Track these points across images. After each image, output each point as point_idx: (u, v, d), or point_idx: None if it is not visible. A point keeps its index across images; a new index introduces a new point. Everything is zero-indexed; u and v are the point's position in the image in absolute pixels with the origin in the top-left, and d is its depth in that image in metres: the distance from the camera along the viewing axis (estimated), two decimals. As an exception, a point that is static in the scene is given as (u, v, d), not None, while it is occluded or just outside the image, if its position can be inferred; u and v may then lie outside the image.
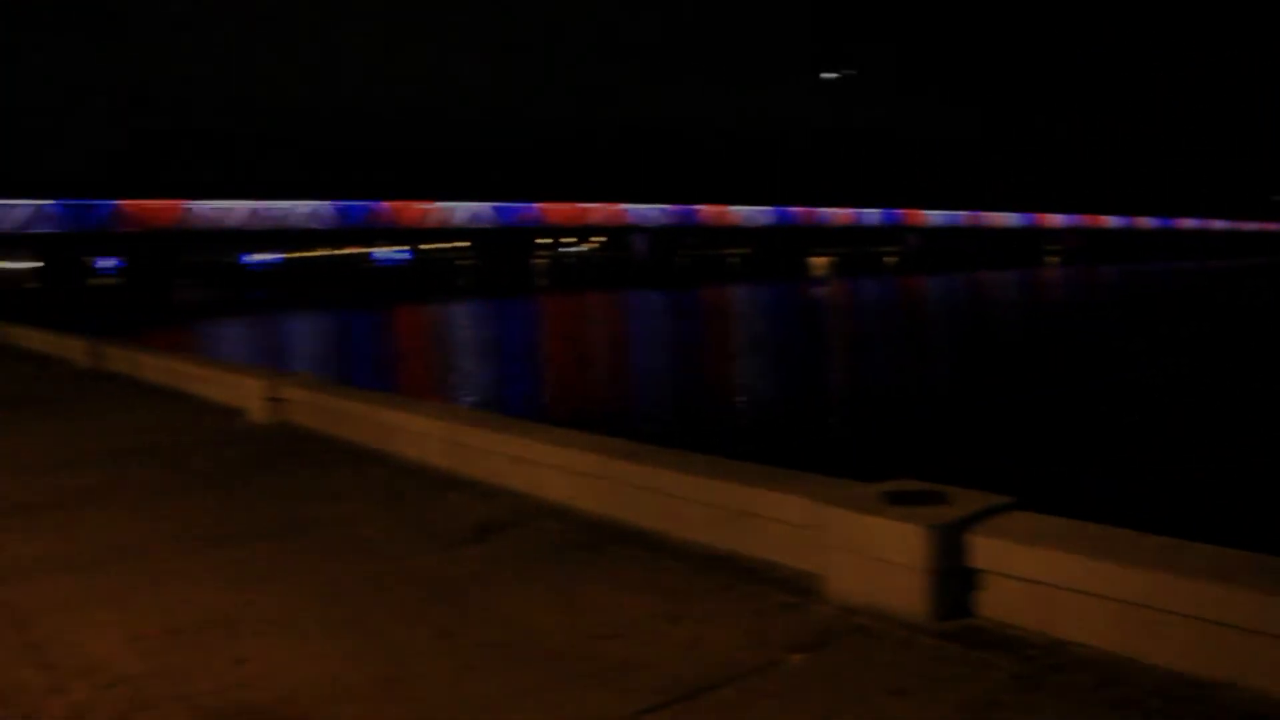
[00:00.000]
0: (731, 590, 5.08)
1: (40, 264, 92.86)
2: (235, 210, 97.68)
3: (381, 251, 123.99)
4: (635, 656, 4.30)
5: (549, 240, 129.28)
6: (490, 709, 3.89)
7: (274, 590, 5.42)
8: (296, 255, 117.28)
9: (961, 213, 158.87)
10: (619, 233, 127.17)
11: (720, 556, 5.55)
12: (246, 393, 11.43)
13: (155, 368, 15.25)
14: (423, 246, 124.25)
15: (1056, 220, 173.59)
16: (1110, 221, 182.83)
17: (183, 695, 4.12)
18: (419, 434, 8.31)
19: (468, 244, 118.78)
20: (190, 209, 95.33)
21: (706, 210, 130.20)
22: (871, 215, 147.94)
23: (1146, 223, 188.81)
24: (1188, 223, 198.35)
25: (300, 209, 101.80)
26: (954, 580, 4.43)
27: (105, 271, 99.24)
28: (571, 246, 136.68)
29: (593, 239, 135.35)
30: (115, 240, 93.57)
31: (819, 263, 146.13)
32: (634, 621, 4.73)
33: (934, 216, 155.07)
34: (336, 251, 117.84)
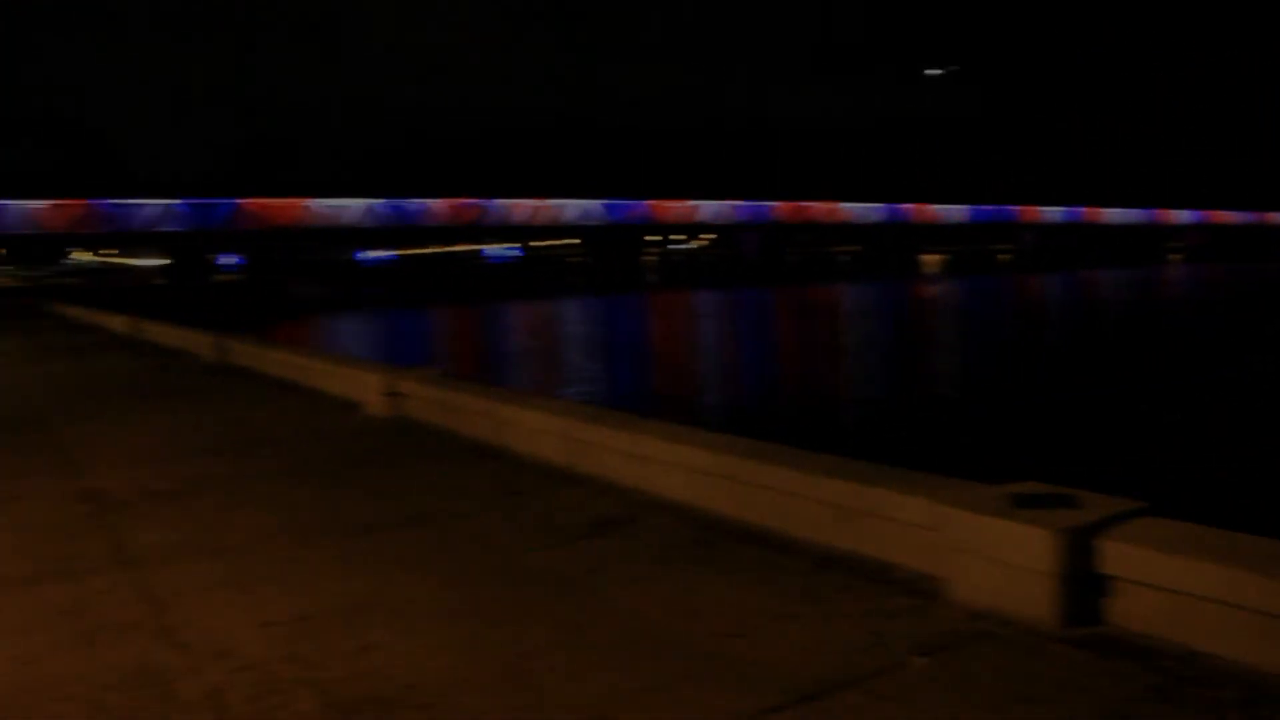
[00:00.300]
0: (850, 591, 5.02)
1: (168, 261, 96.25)
2: (350, 208, 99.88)
3: (492, 248, 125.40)
4: (755, 655, 4.28)
5: (658, 237, 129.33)
6: (612, 704, 3.89)
7: (395, 581, 5.51)
8: (409, 252, 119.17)
9: (1080, 208, 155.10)
10: (728, 230, 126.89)
11: (838, 556, 5.49)
12: (364, 387, 11.66)
13: (276, 362, 15.65)
14: (533, 244, 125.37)
15: (1178, 216, 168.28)
16: (1235, 218, 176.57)
17: (311, 681, 4.22)
18: (535, 429, 8.38)
19: (578, 241, 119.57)
20: (308, 207, 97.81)
21: (817, 207, 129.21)
22: (984, 211, 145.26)
23: (1277, 219, 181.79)
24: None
25: (412, 206, 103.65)
26: (1084, 586, 4.31)
27: (227, 268, 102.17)
28: (681, 244, 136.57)
29: (702, 236, 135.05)
30: (237, 238, 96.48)
31: (931, 260, 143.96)
32: (753, 620, 4.70)
33: (1049, 213, 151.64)
34: (448, 249, 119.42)
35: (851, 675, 4.03)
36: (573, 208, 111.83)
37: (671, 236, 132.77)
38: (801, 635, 4.49)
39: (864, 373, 34.52)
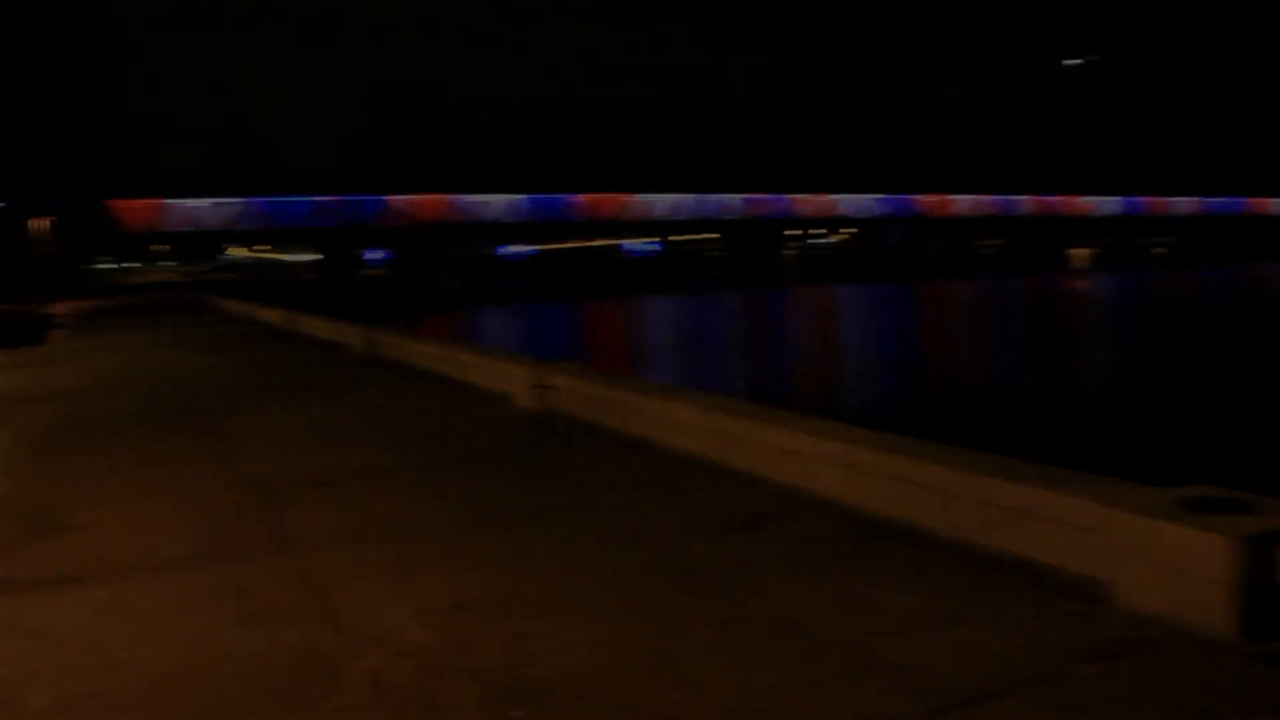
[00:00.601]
0: (1010, 593, 4.89)
1: (319, 256, 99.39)
2: (493, 203, 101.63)
3: (632, 243, 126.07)
4: (911, 656, 4.20)
5: (799, 232, 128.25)
6: (767, 702, 3.87)
7: (548, 571, 5.58)
8: (550, 247, 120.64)
9: (1244, 199, 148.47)
10: (870, 224, 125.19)
11: (997, 557, 5.35)
12: (512, 380, 11.83)
13: (425, 354, 15.99)
14: (672, 238, 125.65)
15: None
16: None
17: (470, 668, 4.29)
18: (685, 423, 8.37)
19: (717, 236, 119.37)
20: (452, 203, 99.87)
21: (960, 200, 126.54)
22: (1137, 203, 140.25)
23: None
24: None
25: (554, 201, 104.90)
26: (1263, 597, 4.11)
27: (374, 263, 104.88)
28: (821, 238, 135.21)
29: (842, 230, 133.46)
30: (384, 234, 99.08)
31: (1079, 254, 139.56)
32: (908, 620, 4.62)
33: (1205, 204, 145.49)
34: (587, 243, 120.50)
35: (1015, 681, 3.93)
36: (711, 202, 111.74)
37: (811, 231, 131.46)
38: (960, 637, 4.39)
39: (1011, 370, 33.69)
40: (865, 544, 5.78)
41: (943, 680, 3.95)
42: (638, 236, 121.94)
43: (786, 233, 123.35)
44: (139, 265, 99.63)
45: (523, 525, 6.58)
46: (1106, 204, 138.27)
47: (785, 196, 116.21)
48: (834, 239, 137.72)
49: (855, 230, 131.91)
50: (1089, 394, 27.88)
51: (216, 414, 12.26)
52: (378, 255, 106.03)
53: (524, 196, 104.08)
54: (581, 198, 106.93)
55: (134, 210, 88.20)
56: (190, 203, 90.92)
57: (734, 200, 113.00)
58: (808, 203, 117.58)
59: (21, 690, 4.30)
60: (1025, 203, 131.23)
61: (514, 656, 4.40)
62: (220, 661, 4.50)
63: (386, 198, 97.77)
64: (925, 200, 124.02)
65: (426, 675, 4.24)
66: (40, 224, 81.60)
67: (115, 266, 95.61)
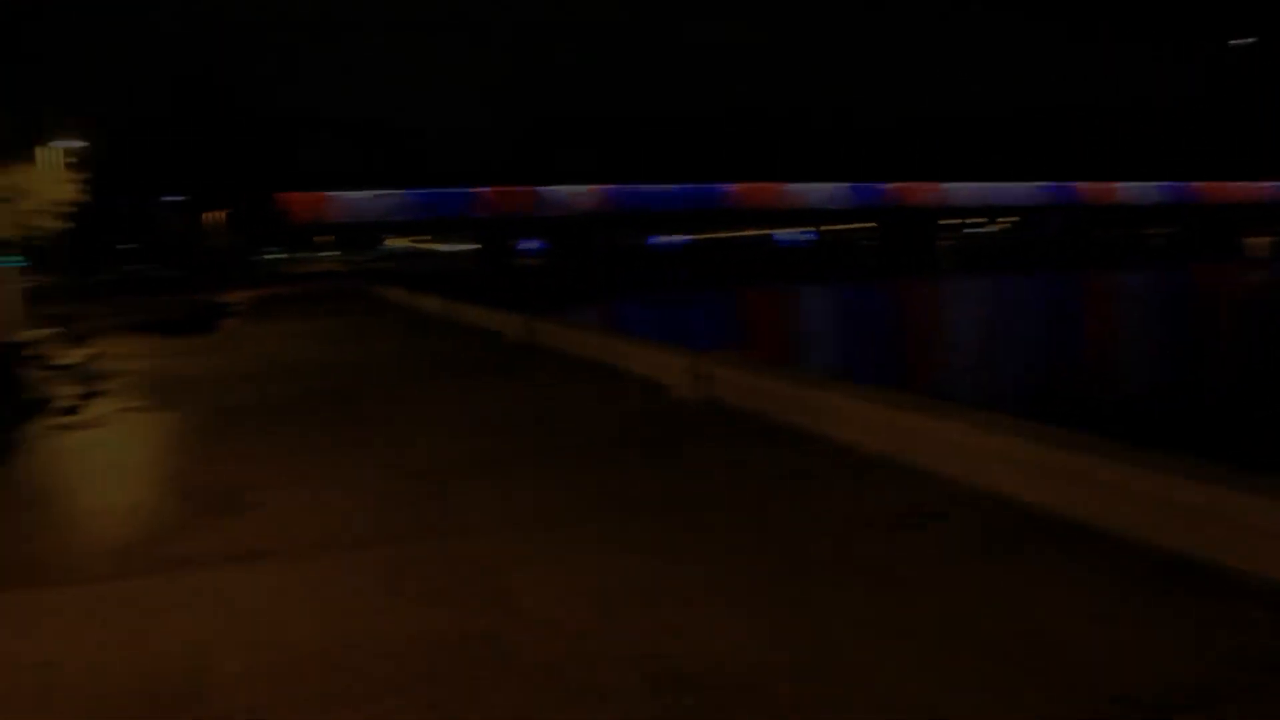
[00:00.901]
0: (1196, 597, 4.68)
1: (475, 246, 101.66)
2: (646, 194, 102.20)
3: (784, 233, 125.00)
4: (1086, 660, 4.07)
5: (956, 221, 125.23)
6: (931, 699, 3.79)
7: (708, 561, 5.57)
8: (701, 237, 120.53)
9: None
10: (1030, 212, 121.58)
11: (1176, 559, 5.12)
12: (670, 368, 11.84)
13: (581, 342, 16.12)
14: (825, 227, 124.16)
15: None
16: None
17: (632, 655, 4.33)
18: (849, 415, 8.24)
19: (873, 225, 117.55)
20: (607, 193, 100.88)
21: (1125, 188, 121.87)
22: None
23: None
24: None
25: (715, 191, 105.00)
26: None
27: (528, 253, 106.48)
28: (979, 227, 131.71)
29: (1001, 220, 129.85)
30: (539, 224, 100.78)
31: (1257, 243, 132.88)
32: (1082, 622, 4.46)
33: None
34: (739, 233, 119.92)
35: (1203, 692, 3.76)
36: (866, 191, 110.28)
37: (969, 220, 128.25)
38: (1140, 642, 4.23)
39: (1179, 365, 32.35)
40: (1034, 543, 5.61)
41: (1119, 687, 3.81)
42: (792, 226, 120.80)
43: (942, 222, 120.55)
44: (304, 255, 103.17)
45: (682, 515, 6.59)
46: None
47: (941, 184, 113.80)
48: (993, 228, 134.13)
49: (1015, 219, 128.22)
50: (1270, 393, 26.55)
51: (381, 399, 12.60)
52: (532, 245, 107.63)
53: (677, 186, 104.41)
54: (736, 187, 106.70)
55: (300, 202, 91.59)
56: (352, 195, 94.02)
57: (889, 189, 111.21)
58: (964, 191, 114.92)
59: (214, 659, 4.52)
60: (1196, 189, 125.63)
61: (675, 645, 4.41)
62: (392, 640, 4.62)
63: (539, 188, 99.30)
64: (1088, 188, 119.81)
65: (590, 660, 4.29)
66: (213, 217, 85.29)
67: (282, 257, 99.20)
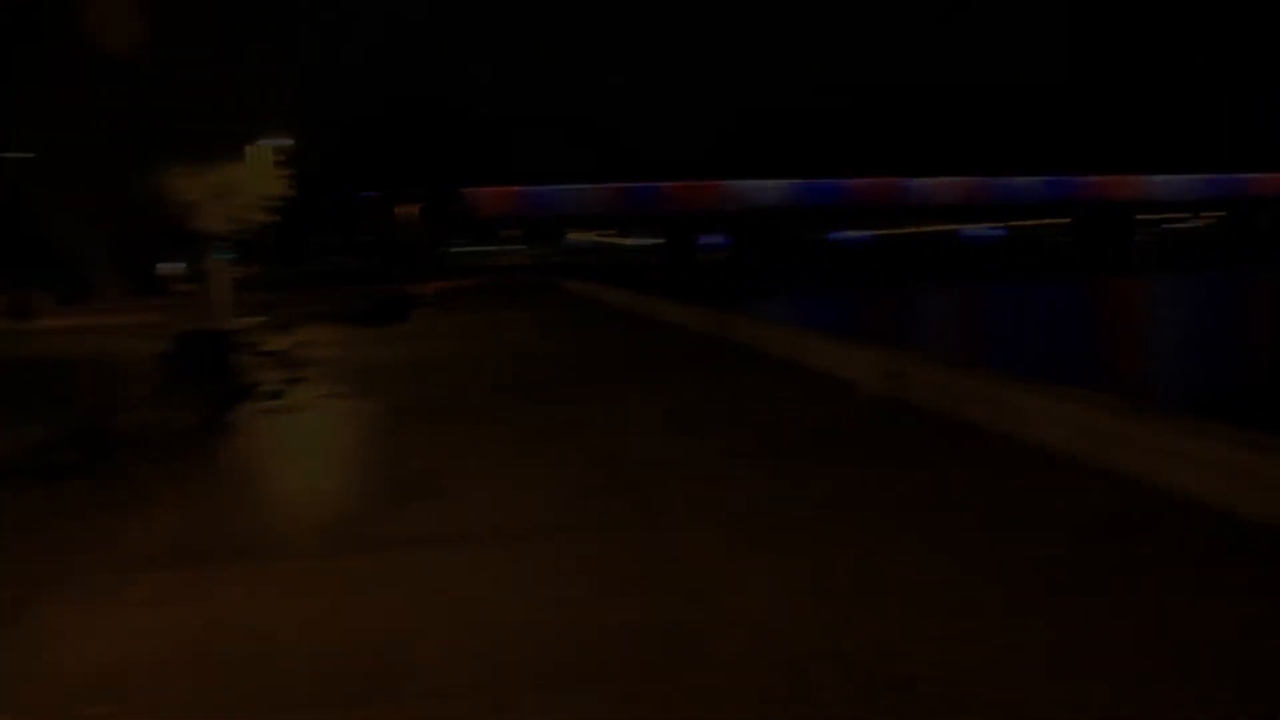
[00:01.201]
0: None
1: (658, 240, 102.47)
2: (768, 188, 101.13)
3: (971, 229, 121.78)
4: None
5: (1155, 216, 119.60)
6: (1150, 715, 3.59)
7: (908, 562, 5.44)
8: (885, 232, 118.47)
9: None
10: (1239, 206, 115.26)
11: None
12: (859, 365, 11.65)
13: (768, 337, 16.03)
14: (1016, 223, 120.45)
15: None
16: None
17: (833, 654, 4.24)
18: (1046, 417, 7.94)
19: (1067, 220, 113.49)
20: (790, 188, 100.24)
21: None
22: None
23: None
24: None
25: (900, 185, 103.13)
26: None
27: (711, 248, 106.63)
28: (1181, 221, 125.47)
29: (1204, 215, 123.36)
30: (722, 218, 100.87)
31: None
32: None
33: None
34: (924, 228, 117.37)
35: None
36: (1061, 184, 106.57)
37: (1170, 215, 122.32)
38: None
39: None
40: (1248, 554, 5.27)
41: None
42: (982, 221, 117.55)
43: (1140, 217, 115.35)
44: (491, 248, 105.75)
45: (876, 513, 6.45)
46: None
47: (1142, 177, 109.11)
48: (1199, 223, 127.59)
49: (1222, 214, 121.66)
50: None
51: (572, 392, 12.75)
52: (715, 240, 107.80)
53: (862, 179, 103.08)
54: (924, 181, 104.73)
55: (488, 197, 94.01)
56: (539, 189, 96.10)
57: (1086, 182, 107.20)
58: (1165, 184, 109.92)
59: (415, 637, 4.67)
60: None
61: (878, 646, 4.30)
62: (584, 629, 4.66)
63: (723, 182, 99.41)
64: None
65: (789, 657, 4.22)
66: (406, 210, 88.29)
67: (470, 249, 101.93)
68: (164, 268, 64.07)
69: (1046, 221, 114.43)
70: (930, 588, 5.02)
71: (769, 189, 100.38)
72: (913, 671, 4.03)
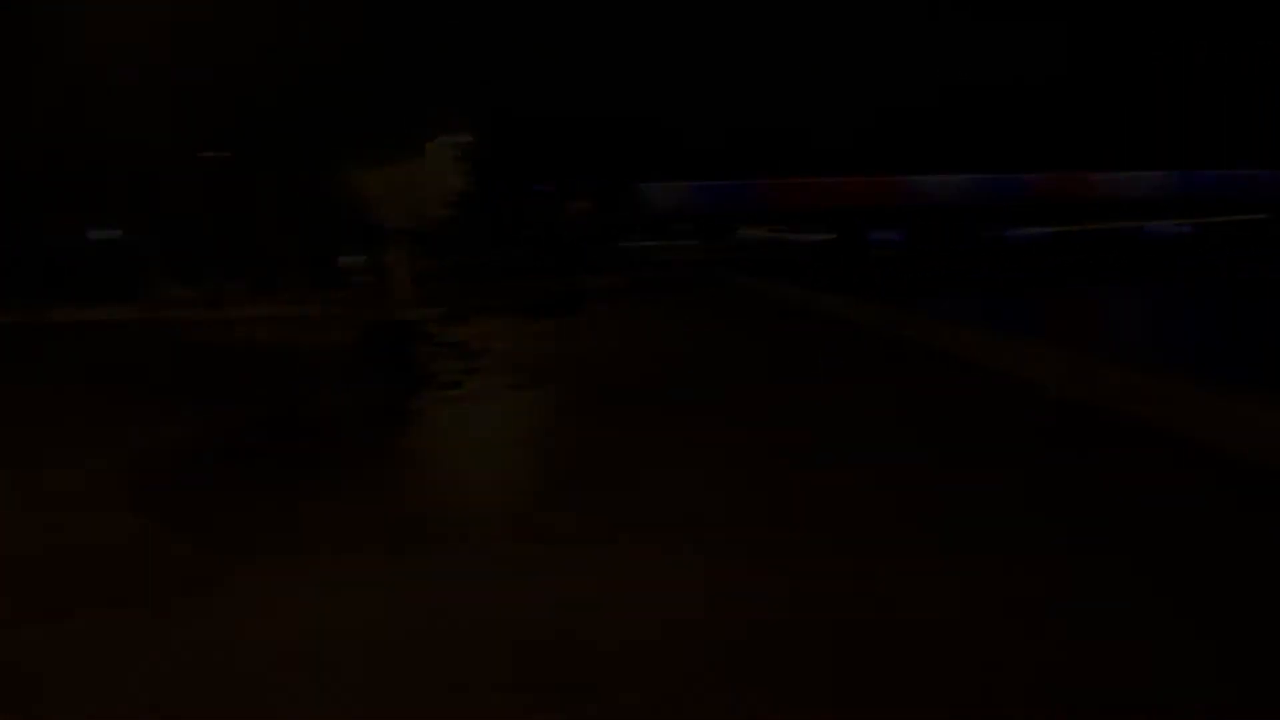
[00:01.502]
0: None
1: (830, 236, 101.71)
2: (1033, 180, 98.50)
3: (1156, 225, 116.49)
4: None
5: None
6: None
7: (1116, 594, 5.14)
8: (1064, 229, 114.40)
9: None
10: None
11: None
12: (1043, 368, 11.24)
13: (948, 337, 15.62)
14: (1205, 220, 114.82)
15: None
16: None
17: (1030, 668, 4.08)
18: (1253, 425, 7.46)
19: (1263, 216, 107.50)
20: (971, 183, 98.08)
21: None
22: None
23: None
24: None
25: (1077, 179, 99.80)
26: None
27: (882, 244, 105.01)
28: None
29: None
30: (896, 214, 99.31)
31: None
32: None
33: None
34: (1105, 225, 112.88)
35: None
36: (1254, 177, 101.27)
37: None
38: None
39: None
40: None
41: None
42: (1164, 217, 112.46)
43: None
44: (663, 243, 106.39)
45: (1079, 526, 6.13)
46: None
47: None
48: None
49: None
50: None
51: (746, 388, 12.62)
52: (888, 236, 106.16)
53: (1039, 175, 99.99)
54: (1099, 176, 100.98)
55: (660, 191, 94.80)
56: (710, 184, 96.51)
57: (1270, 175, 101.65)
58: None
59: (588, 625, 4.73)
60: None
61: (1117, 682, 4.07)
62: (766, 626, 4.63)
63: (896, 177, 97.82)
64: None
65: (975, 672, 4.07)
66: (578, 205, 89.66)
67: (642, 244, 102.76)
68: (344, 260, 66.40)
69: (1242, 218, 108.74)
70: (1113, 608, 4.78)
71: (947, 184, 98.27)
72: (1085, 682, 3.84)
